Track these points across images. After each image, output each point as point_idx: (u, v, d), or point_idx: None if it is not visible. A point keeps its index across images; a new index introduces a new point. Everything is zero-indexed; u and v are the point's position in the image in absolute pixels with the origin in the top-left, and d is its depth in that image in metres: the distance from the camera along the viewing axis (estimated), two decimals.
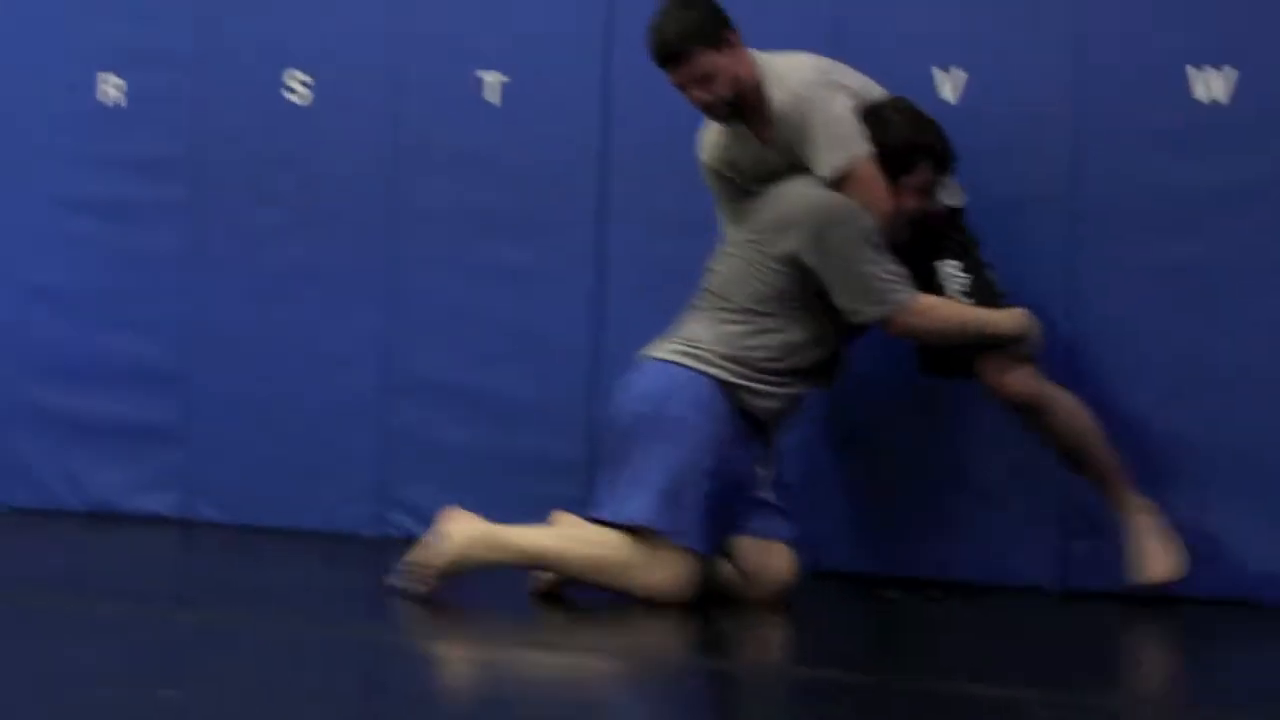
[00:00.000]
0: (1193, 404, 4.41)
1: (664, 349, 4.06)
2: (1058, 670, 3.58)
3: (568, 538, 4.00)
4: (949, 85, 4.54)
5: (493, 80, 4.91)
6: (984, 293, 4.10)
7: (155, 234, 5.24)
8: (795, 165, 4.10)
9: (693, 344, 4.04)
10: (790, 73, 4.10)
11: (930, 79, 4.53)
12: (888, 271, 4.00)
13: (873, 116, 4.04)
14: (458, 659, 3.72)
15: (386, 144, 5.03)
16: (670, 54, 4.02)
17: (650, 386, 4.04)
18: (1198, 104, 4.39)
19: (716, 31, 4.04)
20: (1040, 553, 4.50)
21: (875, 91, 4.18)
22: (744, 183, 4.25)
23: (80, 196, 5.34)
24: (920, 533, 4.69)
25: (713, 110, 4.09)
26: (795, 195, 4.07)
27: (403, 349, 5.02)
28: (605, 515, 3.97)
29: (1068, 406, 4.11)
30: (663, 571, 3.92)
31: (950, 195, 4.21)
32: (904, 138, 4.03)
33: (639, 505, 3.93)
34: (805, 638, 4.08)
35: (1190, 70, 4.38)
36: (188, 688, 3.04)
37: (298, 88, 5.12)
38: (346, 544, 4.96)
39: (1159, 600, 4.26)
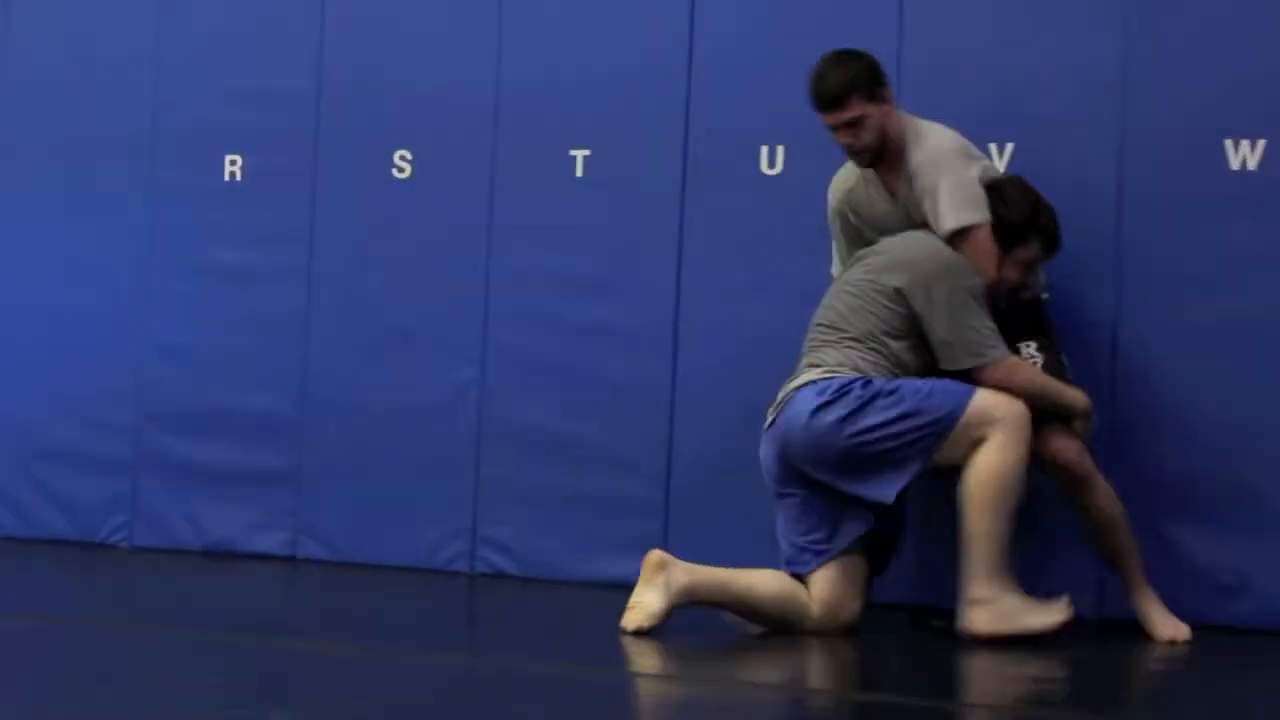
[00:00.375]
0: (1234, 454, 4.37)
1: (805, 378, 4.09)
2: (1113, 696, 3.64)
3: (785, 583, 4.06)
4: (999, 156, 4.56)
5: (578, 156, 4.98)
6: (1056, 374, 4.15)
7: (273, 297, 5.29)
8: (913, 221, 4.20)
9: (827, 364, 4.08)
10: (932, 135, 4.22)
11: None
12: (986, 327, 4.06)
13: (996, 190, 4.14)
14: (547, 679, 3.60)
15: (481, 213, 5.07)
16: (829, 99, 4.14)
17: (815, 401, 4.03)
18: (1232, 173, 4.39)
19: (873, 85, 4.18)
20: (1078, 582, 4.37)
21: (997, 173, 4.29)
22: (861, 227, 4.37)
23: (207, 264, 5.39)
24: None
25: (856, 154, 4.21)
26: (915, 240, 4.18)
27: (494, 401, 5.04)
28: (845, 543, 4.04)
29: (1106, 489, 4.13)
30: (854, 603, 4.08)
31: (1040, 285, 4.31)
32: (1023, 214, 4.11)
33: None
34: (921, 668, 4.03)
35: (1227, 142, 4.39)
36: (296, 709, 3.09)
37: (402, 164, 5.18)
38: (440, 579, 4.96)
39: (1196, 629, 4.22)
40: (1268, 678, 4.00)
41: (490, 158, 5.08)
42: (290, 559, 5.23)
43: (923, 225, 4.18)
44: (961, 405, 3.96)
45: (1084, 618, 4.22)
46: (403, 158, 5.18)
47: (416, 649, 3.93)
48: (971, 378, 4.07)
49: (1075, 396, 4.14)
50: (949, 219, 4.10)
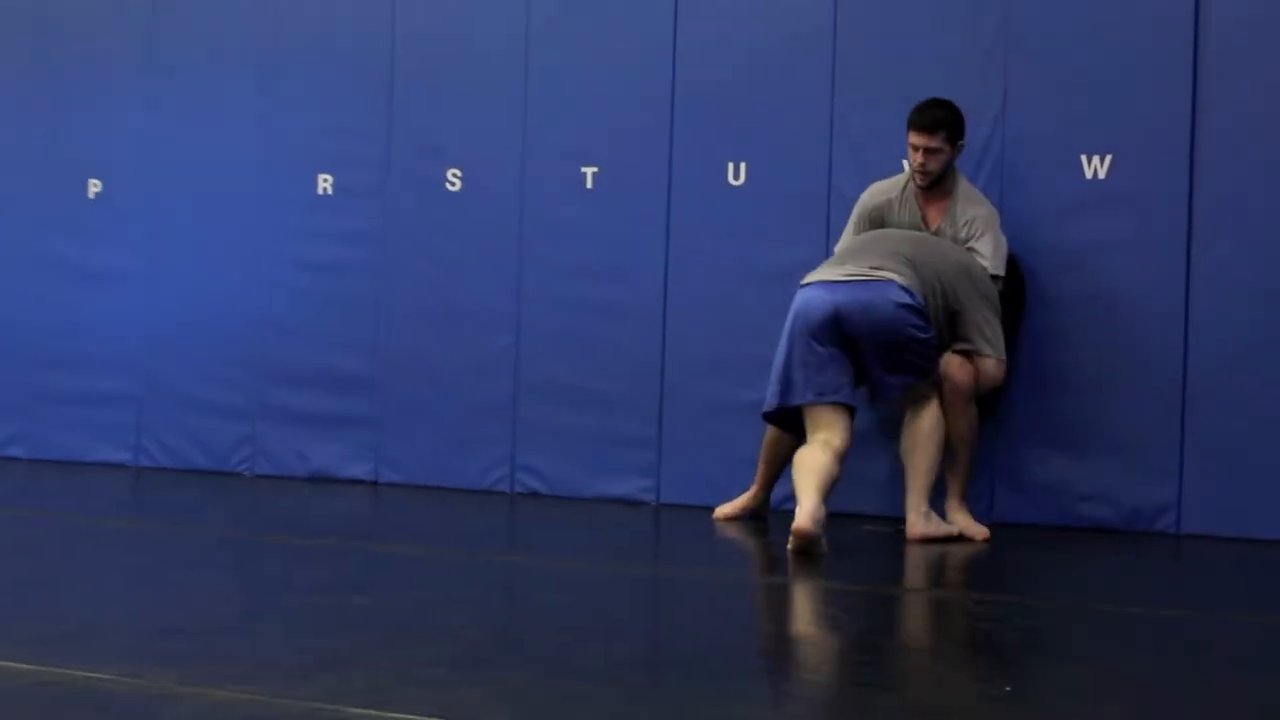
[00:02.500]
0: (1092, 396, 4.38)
1: (890, 276, 3.98)
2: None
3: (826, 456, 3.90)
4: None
5: (588, 171, 5.00)
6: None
7: (355, 283, 5.32)
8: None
9: (907, 278, 4.00)
10: (985, 200, 4.31)
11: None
12: (1001, 334, 4.18)
13: None
14: (575, 578, 3.58)
15: (514, 216, 5.09)
16: (928, 125, 4.17)
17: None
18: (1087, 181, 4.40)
19: (959, 132, 4.24)
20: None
21: None
22: (876, 227, 4.35)
23: (302, 257, 5.42)
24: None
25: (922, 174, 4.22)
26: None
27: (527, 360, 5.07)
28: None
29: (972, 416, 4.16)
30: None
31: None
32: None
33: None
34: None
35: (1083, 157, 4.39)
36: (374, 596, 3.14)
37: (454, 179, 5.23)
38: (487, 497, 4.98)
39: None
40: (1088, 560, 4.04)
41: (520, 173, 5.10)
42: (373, 483, 5.23)
43: None
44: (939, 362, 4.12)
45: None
46: (454, 174, 5.19)
47: (469, 550, 3.95)
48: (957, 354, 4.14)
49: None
50: (993, 266, 4.21)
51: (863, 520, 4.37)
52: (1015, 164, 4.52)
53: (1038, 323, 4.46)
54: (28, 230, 5.88)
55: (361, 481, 5.28)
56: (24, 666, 2.25)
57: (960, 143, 4.26)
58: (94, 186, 5.77)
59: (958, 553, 4.04)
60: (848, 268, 4.10)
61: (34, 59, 5.92)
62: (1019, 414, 4.50)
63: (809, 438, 3.98)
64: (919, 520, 4.08)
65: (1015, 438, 4.50)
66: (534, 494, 5.02)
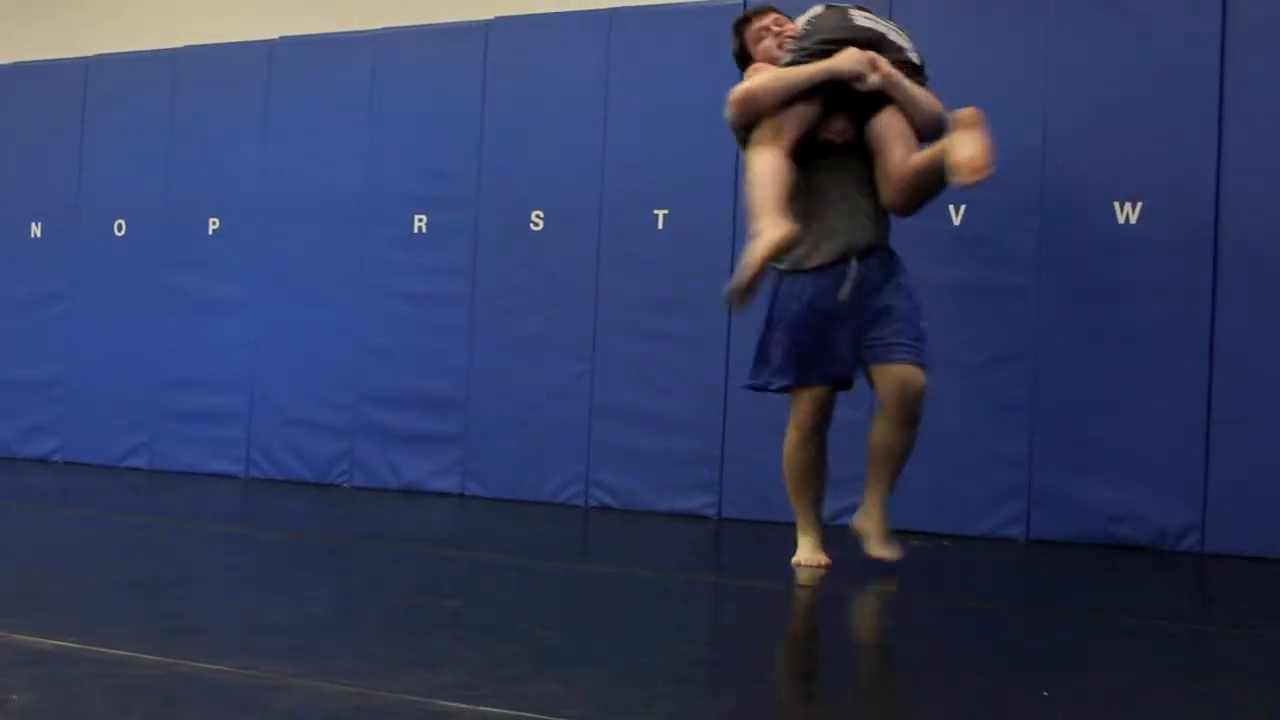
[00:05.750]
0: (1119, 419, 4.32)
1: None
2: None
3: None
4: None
5: (659, 214, 5.02)
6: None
7: (447, 314, 5.35)
8: None
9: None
10: None
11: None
12: None
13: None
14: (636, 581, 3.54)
15: (591, 254, 5.13)
16: None
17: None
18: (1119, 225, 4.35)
19: None
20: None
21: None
22: None
23: (399, 289, 5.47)
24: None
25: None
26: None
27: (601, 385, 5.09)
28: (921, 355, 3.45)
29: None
30: None
31: None
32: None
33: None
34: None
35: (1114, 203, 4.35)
36: (464, 599, 3.15)
37: (537, 220, 5.26)
38: (563, 510, 4.98)
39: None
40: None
41: (598, 215, 5.13)
42: (459, 495, 5.28)
43: None
44: None
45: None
46: (537, 215, 5.24)
47: (547, 558, 3.94)
48: None
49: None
50: None
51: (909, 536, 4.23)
52: (1055, 207, 4.48)
53: (1075, 354, 4.41)
54: (156, 265, 6.01)
55: (448, 494, 5.33)
56: (150, 658, 2.28)
57: None
58: (213, 224, 5.89)
59: (992, 564, 3.98)
60: None
61: (164, 111, 6.06)
62: (1055, 439, 4.45)
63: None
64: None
65: (1049, 460, 4.45)
66: (605, 508, 5.02)
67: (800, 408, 3.62)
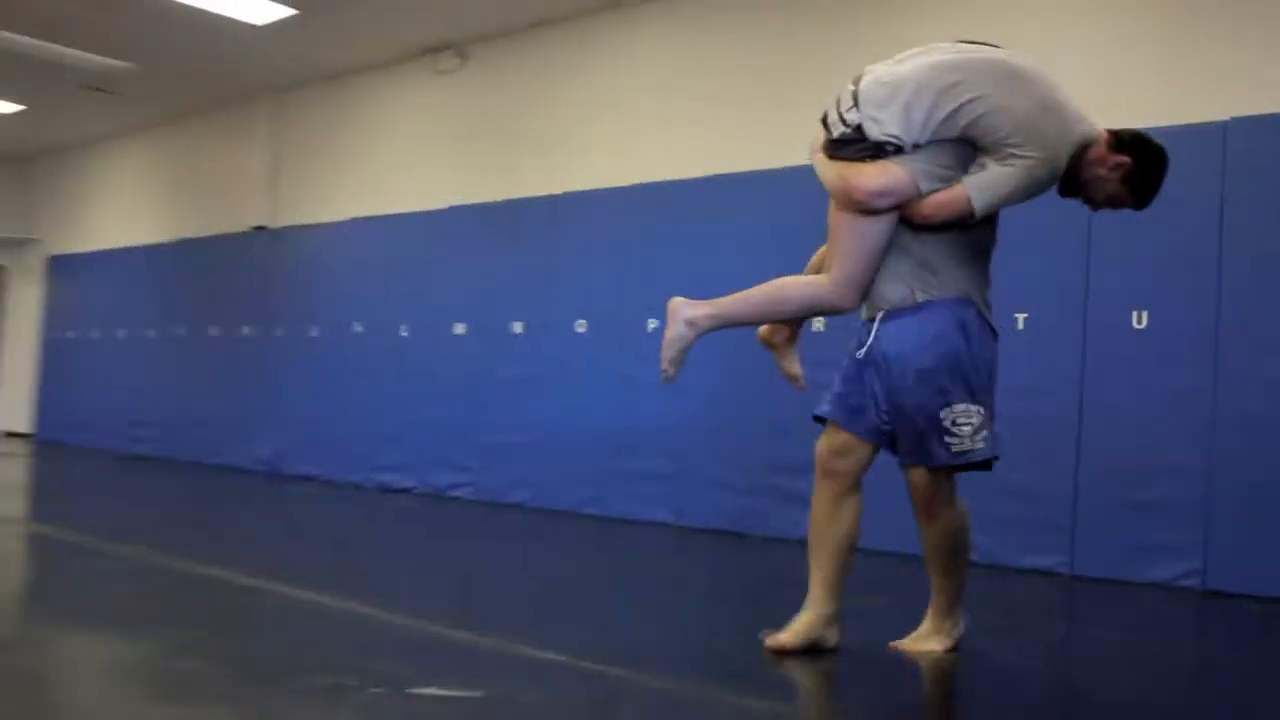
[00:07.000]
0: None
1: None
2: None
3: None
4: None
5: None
6: None
7: None
8: None
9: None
10: None
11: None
12: None
13: None
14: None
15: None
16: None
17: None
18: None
19: None
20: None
21: None
22: None
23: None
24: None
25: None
26: None
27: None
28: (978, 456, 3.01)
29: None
30: None
31: None
32: None
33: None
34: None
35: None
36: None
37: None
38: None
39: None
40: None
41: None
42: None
43: None
44: None
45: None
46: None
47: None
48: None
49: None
50: None
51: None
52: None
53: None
54: (601, 352, 6.64)
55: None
56: (588, 665, 2.76)
57: None
58: (651, 323, 6.37)
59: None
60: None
61: (614, 234, 6.65)
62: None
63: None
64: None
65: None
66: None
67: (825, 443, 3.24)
